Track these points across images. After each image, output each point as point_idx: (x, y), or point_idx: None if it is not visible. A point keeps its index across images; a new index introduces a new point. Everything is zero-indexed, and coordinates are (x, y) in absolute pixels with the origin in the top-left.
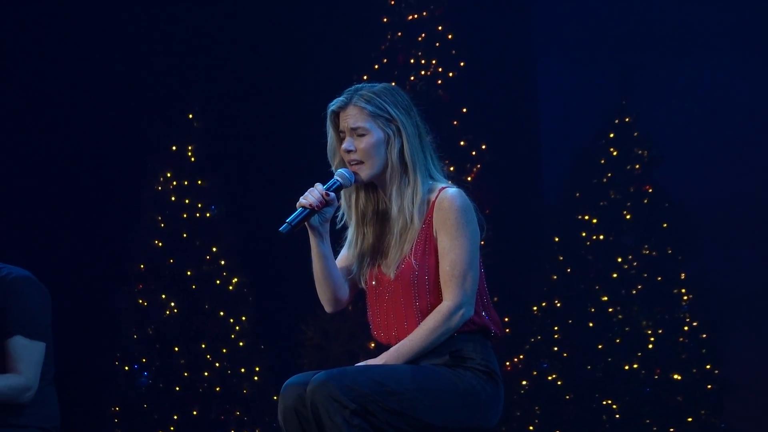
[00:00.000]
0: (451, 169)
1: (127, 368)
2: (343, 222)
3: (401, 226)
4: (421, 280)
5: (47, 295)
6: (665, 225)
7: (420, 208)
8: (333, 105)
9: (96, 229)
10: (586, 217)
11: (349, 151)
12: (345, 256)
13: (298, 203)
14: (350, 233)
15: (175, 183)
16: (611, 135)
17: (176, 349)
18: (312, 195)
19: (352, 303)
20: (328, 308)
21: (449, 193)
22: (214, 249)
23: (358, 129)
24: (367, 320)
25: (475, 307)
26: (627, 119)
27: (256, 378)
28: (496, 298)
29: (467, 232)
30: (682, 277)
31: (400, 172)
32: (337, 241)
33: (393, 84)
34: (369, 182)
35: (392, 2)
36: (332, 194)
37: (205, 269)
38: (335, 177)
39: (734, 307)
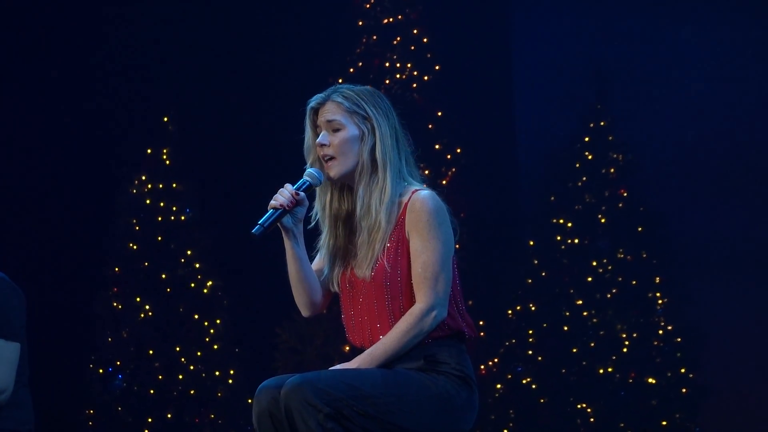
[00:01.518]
0: (426, 172)
1: (101, 371)
2: (315, 221)
3: (369, 224)
4: (394, 281)
5: (21, 296)
6: (640, 229)
7: (390, 208)
8: (312, 101)
9: (71, 232)
10: (561, 221)
11: (322, 145)
12: (318, 261)
13: (269, 205)
14: (323, 236)
15: (150, 186)
16: (586, 139)
17: (151, 352)
18: (282, 195)
19: (327, 307)
20: (304, 312)
21: (422, 195)
22: (189, 252)
23: (334, 122)
24: (341, 323)
25: (450, 310)
26: (602, 123)
27: (230, 381)
28: (470, 302)
29: (439, 234)
30: (657, 281)
31: (369, 171)
32: (311, 246)
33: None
34: (342, 182)
35: (368, 6)
36: (302, 194)
37: (179, 272)
38: (304, 176)
39: (709, 311)
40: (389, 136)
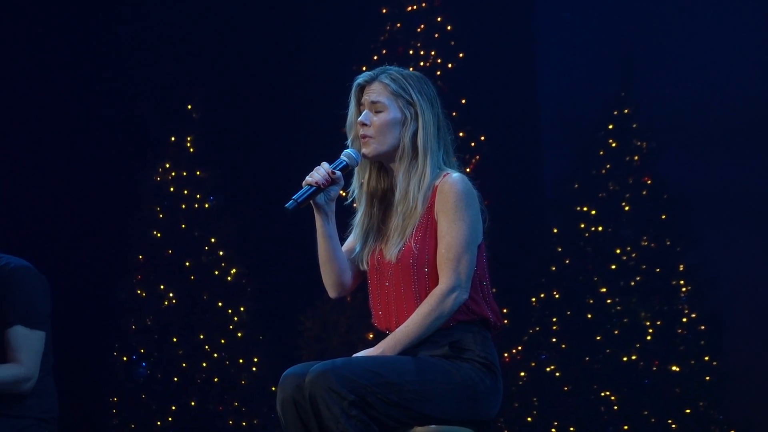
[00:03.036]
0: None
1: (125, 359)
2: (352, 199)
3: (405, 210)
4: (420, 262)
5: (46, 284)
6: (664, 216)
7: (425, 194)
8: (360, 78)
9: (95, 219)
10: (585, 209)
11: (363, 124)
12: (351, 240)
13: (304, 181)
14: (358, 214)
15: (173, 174)
16: (610, 126)
17: (174, 339)
18: (318, 173)
19: (351, 294)
20: (331, 293)
21: (452, 177)
22: (213, 240)
23: (378, 104)
24: (367, 309)
25: (474, 295)
26: (626, 111)
27: (254, 369)
28: (494, 290)
29: (466, 217)
30: (681, 269)
31: (410, 157)
32: (343, 228)
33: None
34: (380, 163)
35: None
36: (338, 173)
37: (203, 260)
38: (342, 156)
39: (733, 298)
40: (432, 124)
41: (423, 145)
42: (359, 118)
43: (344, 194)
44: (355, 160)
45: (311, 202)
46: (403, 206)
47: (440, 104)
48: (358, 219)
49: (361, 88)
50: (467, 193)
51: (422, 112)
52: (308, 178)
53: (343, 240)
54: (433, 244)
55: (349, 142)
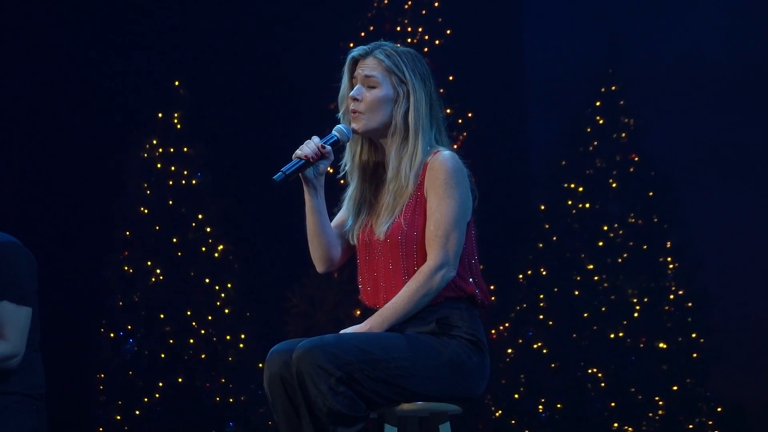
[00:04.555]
0: None
1: (112, 335)
2: (344, 173)
3: (396, 188)
4: (409, 239)
5: (33, 260)
6: (651, 193)
7: (417, 171)
8: (354, 52)
9: (82, 196)
10: (573, 186)
11: (355, 99)
12: (342, 214)
13: (293, 154)
14: (350, 188)
15: (161, 150)
16: (598, 104)
17: (162, 316)
18: (308, 147)
19: (339, 271)
20: (319, 267)
21: (442, 155)
22: (200, 216)
23: (371, 78)
24: (354, 285)
25: (462, 272)
26: (614, 88)
27: (241, 345)
28: (482, 267)
29: (455, 194)
30: (668, 246)
31: (402, 135)
32: (332, 203)
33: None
34: (371, 139)
35: None
36: (328, 147)
37: (190, 237)
38: (333, 131)
39: (720, 275)
40: (423, 103)
41: (414, 124)
42: (351, 93)
43: (331, 170)
44: (347, 136)
45: (300, 175)
46: (395, 185)
47: (433, 82)
48: (350, 193)
49: (355, 62)
50: (457, 170)
51: (414, 90)
52: (298, 151)
53: (332, 215)
54: (422, 221)
55: (340, 115)
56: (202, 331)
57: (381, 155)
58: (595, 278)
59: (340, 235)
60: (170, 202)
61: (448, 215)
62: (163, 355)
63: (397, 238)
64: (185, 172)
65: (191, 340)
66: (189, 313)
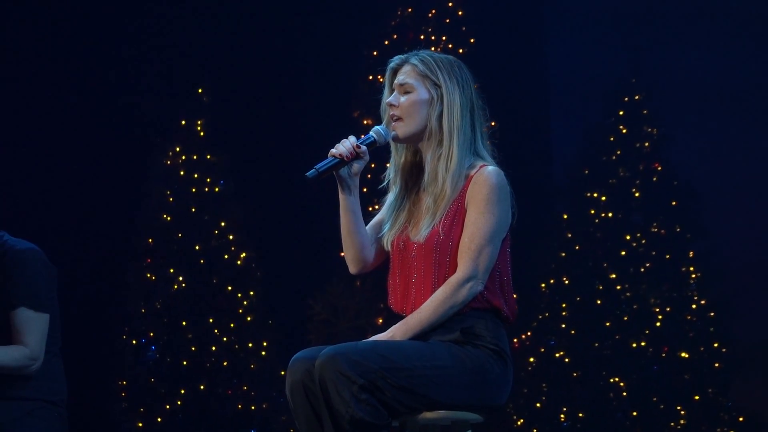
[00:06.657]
0: None
1: (134, 342)
2: (387, 181)
3: (435, 191)
4: (444, 248)
5: (51, 267)
6: (674, 203)
7: (457, 179)
8: (392, 62)
9: (105, 203)
10: (595, 195)
11: (391, 105)
12: (379, 217)
13: (329, 152)
14: (391, 195)
15: (183, 158)
16: (621, 113)
17: (184, 323)
18: (343, 145)
19: (361, 279)
20: (352, 268)
21: (488, 169)
22: (223, 224)
23: (406, 85)
24: (377, 293)
25: (492, 287)
26: (637, 97)
27: (263, 353)
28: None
29: (495, 210)
30: (691, 255)
31: (437, 138)
32: (366, 207)
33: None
34: (412, 146)
35: None
36: (364, 147)
37: (213, 244)
38: (370, 132)
39: (742, 285)
40: (460, 106)
41: (449, 126)
42: (388, 99)
43: (369, 176)
44: (384, 138)
45: (334, 174)
46: (433, 188)
47: (474, 89)
48: (391, 200)
49: (394, 72)
50: (501, 186)
51: (448, 93)
52: (333, 150)
53: (370, 215)
54: (459, 233)
55: (382, 125)
56: (224, 339)
57: (421, 162)
58: (618, 287)
59: (375, 238)
60: (193, 210)
61: (484, 229)
62: (185, 362)
63: (432, 244)
64: (208, 180)
65: (213, 348)
66: (211, 320)
